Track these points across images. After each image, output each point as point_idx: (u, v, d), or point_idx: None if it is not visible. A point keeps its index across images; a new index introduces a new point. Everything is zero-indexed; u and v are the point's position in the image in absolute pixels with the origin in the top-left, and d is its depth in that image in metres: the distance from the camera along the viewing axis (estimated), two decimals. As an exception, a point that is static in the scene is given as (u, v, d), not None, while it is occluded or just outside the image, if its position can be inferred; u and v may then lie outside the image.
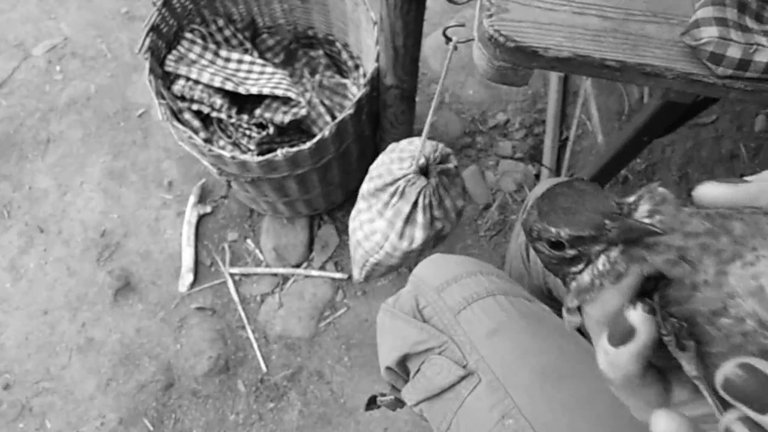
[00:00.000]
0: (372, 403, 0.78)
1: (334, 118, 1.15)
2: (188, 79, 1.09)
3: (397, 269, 0.92)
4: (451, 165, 0.83)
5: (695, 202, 0.26)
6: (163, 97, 1.01)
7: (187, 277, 1.34)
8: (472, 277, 0.70)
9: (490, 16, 0.47)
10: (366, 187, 0.80)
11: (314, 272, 1.37)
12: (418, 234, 0.75)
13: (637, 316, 0.24)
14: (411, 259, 0.84)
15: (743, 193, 0.25)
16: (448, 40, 0.53)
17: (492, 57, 0.49)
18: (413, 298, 0.72)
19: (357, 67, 1.24)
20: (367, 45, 1.10)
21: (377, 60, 0.97)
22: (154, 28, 1.06)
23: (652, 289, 0.25)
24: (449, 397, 0.67)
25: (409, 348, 0.69)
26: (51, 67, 1.52)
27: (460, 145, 1.45)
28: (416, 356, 0.70)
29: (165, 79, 1.10)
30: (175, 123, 0.97)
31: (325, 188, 1.16)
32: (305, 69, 1.27)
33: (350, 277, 1.38)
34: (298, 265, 1.38)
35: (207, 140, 1.09)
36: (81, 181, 1.41)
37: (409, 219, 0.76)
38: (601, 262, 0.25)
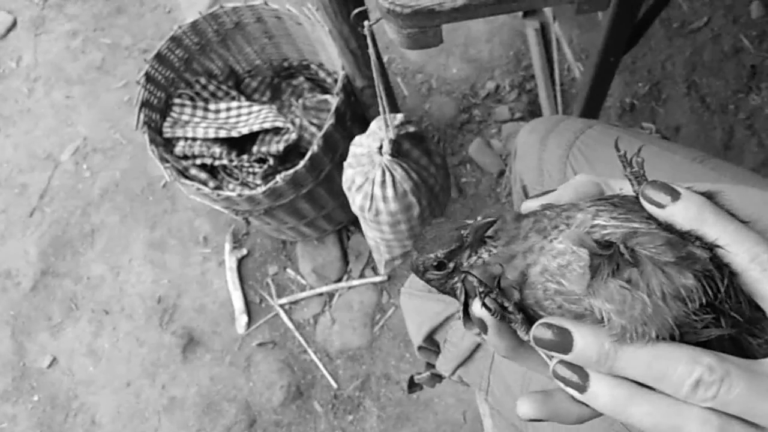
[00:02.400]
0: (413, 384, 0.81)
1: (326, 133, 1.20)
2: (186, 138, 1.18)
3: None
4: (404, 130, 0.87)
5: (524, 211, 0.33)
6: (167, 161, 1.10)
7: (242, 319, 1.42)
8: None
9: (383, -9, 0.51)
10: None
11: (355, 282, 1.42)
12: (382, 205, 0.79)
13: (476, 309, 0.31)
14: (416, 228, 0.88)
15: (550, 198, 0.33)
16: (360, 25, 0.57)
17: (399, 27, 0.52)
18: (424, 275, 0.75)
19: (336, 81, 1.29)
20: (337, 58, 1.15)
21: (342, 68, 1.02)
22: (145, 104, 1.15)
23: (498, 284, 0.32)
24: (479, 356, 0.69)
25: (431, 321, 0.72)
26: (79, 168, 1.66)
27: (459, 123, 1.47)
28: (440, 328, 0.73)
29: (167, 144, 1.19)
30: (183, 180, 1.05)
31: (337, 199, 1.21)
32: (292, 98, 1.34)
33: (390, 278, 1.42)
34: (339, 280, 1.43)
35: (217, 187, 1.17)
36: (129, 258, 1.53)
37: (373, 198, 0.81)
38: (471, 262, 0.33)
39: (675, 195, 0.28)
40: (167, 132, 1.18)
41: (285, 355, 1.40)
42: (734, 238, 0.27)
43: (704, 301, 0.26)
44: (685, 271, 0.26)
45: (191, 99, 1.25)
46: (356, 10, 0.58)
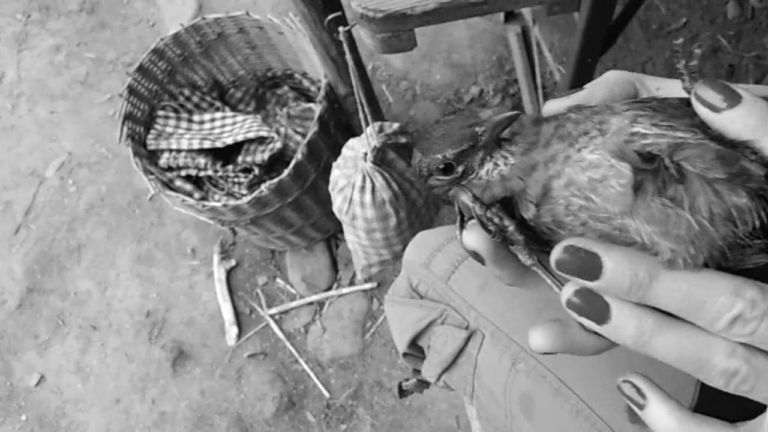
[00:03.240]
0: (402, 390, 0.80)
1: (311, 142, 1.20)
2: (171, 150, 1.17)
3: (392, 261, 0.96)
4: (394, 140, 0.87)
5: (546, 114, 0.29)
6: (152, 173, 1.10)
7: (232, 330, 1.41)
8: (452, 242, 0.73)
9: (356, -3, 0.51)
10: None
11: (345, 290, 1.42)
12: (359, 211, 0.79)
13: (467, 238, 0.28)
14: (393, 239, 0.88)
15: (577, 99, 0.29)
16: (336, 31, 0.57)
17: (372, 32, 0.53)
18: (406, 280, 0.75)
19: (320, 90, 1.29)
20: (320, 67, 1.15)
21: (325, 76, 1.02)
22: (128, 117, 1.15)
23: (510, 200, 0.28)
24: (462, 361, 0.69)
25: (414, 327, 0.72)
26: (64, 183, 1.65)
27: (444, 129, 1.48)
28: (423, 334, 0.72)
29: (151, 157, 1.18)
30: (168, 192, 1.05)
31: (323, 207, 1.20)
32: (277, 107, 1.34)
33: (380, 284, 1.42)
34: (329, 288, 1.43)
35: (203, 198, 1.16)
36: (116, 273, 1.52)
37: (351, 202, 0.81)
38: (485, 170, 0.28)
39: (735, 98, 0.24)
40: (151, 144, 1.18)
41: (276, 365, 1.39)
42: None
43: (757, 224, 0.23)
44: (738, 188, 0.23)
45: (175, 111, 1.24)
46: (330, 16, 0.59)
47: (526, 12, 1.41)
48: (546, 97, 1.36)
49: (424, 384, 0.78)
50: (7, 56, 1.85)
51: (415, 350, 0.73)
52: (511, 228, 0.27)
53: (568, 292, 0.26)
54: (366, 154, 0.85)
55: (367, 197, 0.83)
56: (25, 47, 1.85)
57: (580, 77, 0.91)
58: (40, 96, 1.77)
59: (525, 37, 1.46)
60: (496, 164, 0.28)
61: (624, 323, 0.25)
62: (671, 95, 0.27)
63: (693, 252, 0.23)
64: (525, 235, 0.27)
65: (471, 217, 0.28)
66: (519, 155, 0.27)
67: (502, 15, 1.49)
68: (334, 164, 0.89)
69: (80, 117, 1.72)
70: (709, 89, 0.25)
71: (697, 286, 0.23)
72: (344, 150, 0.89)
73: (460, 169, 0.28)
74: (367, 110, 0.71)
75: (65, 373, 1.45)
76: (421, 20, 0.51)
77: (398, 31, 0.52)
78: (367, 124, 0.77)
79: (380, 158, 0.86)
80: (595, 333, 0.26)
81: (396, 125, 0.87)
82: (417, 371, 0.76)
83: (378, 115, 1.15)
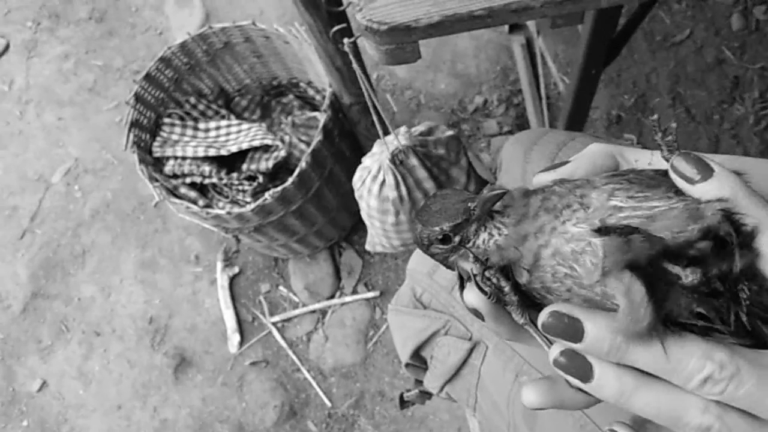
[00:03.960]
0: (404, 401, 0.80)
1: (315, 150, 1.21)
2: (176, 157, 1.18)
3: (390, 250, 0.96)
4: (432, 150, 0.88)
5: (534, 186, 0.32)
6: (157, 180, 1.10)
7: (235, 338, 1.41)
8: (456, 252, 0.73)
9: (360, 9, 0.52)
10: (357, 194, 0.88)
11: (348, 298, 1.42)
12: (365, 194, 0.81)
13: (468, 297, 0.30)
14: (390, 233, 0.88)
15: (563, 172, 0.31)
16: (341, 42, 0.57)
17: (377, 44, 0.53)
18: (410, 290, 0.74)
19: (325, 99, 1.30)
20: (325, 76, 1.16)
21: (330, 85, 1.02)
22: (135, 124, 1.16)
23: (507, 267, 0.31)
24: (466, 372, 0.68)
25: (417, 337, 0.72)
26: (70, 189, 1.66)
27: (448, 138, 1.48)
28: (426, 344, 0.72)
29: (156, 164, 1.19)
30: (172, 199, 1.05)
31: (326, 215, 1.21)
32: (282, 116, 1.34)
33: (383, 293, 1.42)
34: (331, 297, 1.43)
35: (207, 206, 1.17)
36: (120, 279, 1.53)
37: (363, 183, 0.83)
38: (481, 239, 0.31)
39: (708, 172, 0.27)
40: (157, 151, 1.18)
41: (278, 373, 1.39)
42: (765, 222, 0.26)
43: (720, 270, 0.25)
44: (702, 242, 0.25)
45: (181, 118, 1.25)
46: (336, 28, 0.59)
47: (531, 23, 1.42)
48: (550, 108, 1.37)
49: (426, 395, 0.78)
50: (17, 63, 1.86)
51: (418, 361, 0.73)
52: (507, 289, 0.29)
53: (555, 352, 0.28)
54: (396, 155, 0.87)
55: (375, 187, 0.85)
56: (35, 54, 1.87)
57: (585, 88, 0.91)
58: (48, 102, 1.79)
59: (529, 47, 1.46)
60: (491, 234, 0.30)
61: (605, 382, 0.27)
62: (647, 167, 0.30)
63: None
64: (518, 297, 0.30)
65: (469, 279, 0.31)
66: (512, 226, 0.30)
67: (506, 26, 1.50)
68: (376, 142, 0.91)
69: (87, 123, 1.74)
70: (684, 162, 0.27)
71: (670, 349, 0.25)
72: (389, 137, 0.89)
73: (456, 239, 0.31)
74: (381, 113, 0.71)
75: (67, 378, 1.45)
76: (425, 33, 0.51)
77: (403, 43, 0.52)
78: (384, 129, 0.78)
79: (400, 160, 0.86)
80: (580, 389, 0.28)
81: (423, 126, 0.88)
82: (419, 382, 0.76)
83: (382, 124, 1.15)
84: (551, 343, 0.29)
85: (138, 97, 1.17)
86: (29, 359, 1.48)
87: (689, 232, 0.25)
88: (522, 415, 0.57)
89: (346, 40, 0.58)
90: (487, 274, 0.29)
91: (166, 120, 1.23)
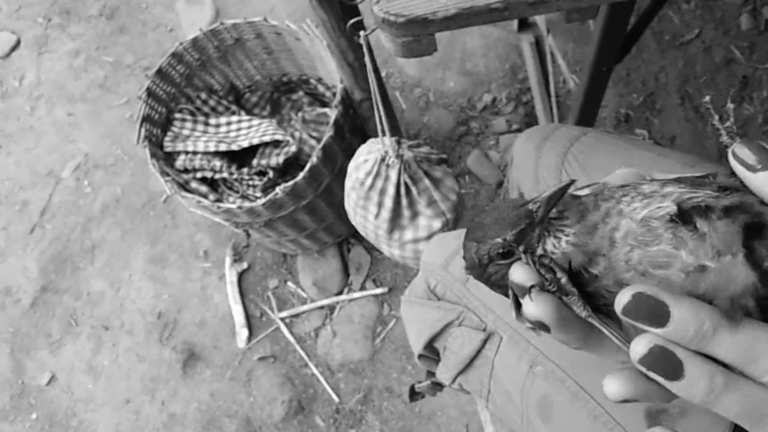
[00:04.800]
0: (414, 393, 0.80)
1: (325, 146, 1.21)
2: (187, 152, 1.19)
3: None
4: (434, 168, 0.87)
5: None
6: (168, 175, 1.11)
7: (243, 333, 1.42)
8: (471, 243, 0.73)
9: (377, 2, 0.52)
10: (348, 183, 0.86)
11: (356, 294, 1.42)
12: (386, 208, 0.79)
13: (529, 308, 0.28)
14: (382, 240, 0.88)
15: (594, 189, 0.29)
16: (356, 35, 0.58)
17: (394, 36, 0.54)
18: (424, 281, 0.75)
19: (335, 95, 1.31)
20: (336, 72, 1.17)
21: (341, 81, 1.03)
22: (146, 119, 1.17)
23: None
24: (479, 363, 0.69)
25: (431, 328, 0.72)
26: (80, 184, 1.68)
27: (457, 136, 1.49)
28: (440, 335, 0.73)
29: (167, 158, 1.20)
30: (183, 193, 1.06)
31: (336, 211, 1.21)
32: (291, 112, 1.35)
33: (391, 290, 1.42)
34: (339, 293, 1.44)
35: (218, 200, 1.18)
36: (129, 274, 1.54)
37: (383, 191, 0.81)
38: (549, 245, 0.28)
39: None
40: (168, 146, 1.19)
41: (286, 369, 1.39)
42: None
43: None
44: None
45: (192, 114, 1.26)
46: (352, 20, 0.60)
47: (541, 21, 1.42)
48: (559, 106, 1.37)
49: (437, 386, 0.78)
50: (28, 59, 1.88)
51: (430, 352, 0.73)
52: (564, 279, 0.27)
53: (640, 348, 0.25)
54: (390, 156, 0.85)
55: (361, 174, 0.82)
56: (46, 50, 1.89)
57: (596, 85, 0.91)
58: (58, 98, 1.80)
59: (539, 46, 1.47)
60: (556, 237, 0.27)
61: (697, 381, 0.25)
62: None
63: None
64: (578, 290, 0.27)
65: (524, 293, 0.28)
66: (576, 223, 0.27)
67: (515, 24, 1.51)
68: (371, 140, 0.88)
69: (98, 119, 1.75)
70: (746, 149, 0.26)
71: (756, 337, 0.24)
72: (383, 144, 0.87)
73: (521, 249, 0.28)
74: (383, 114, 0.71)
75: (76, 372, 1.46)
76: (442, 25, 0.52)
77: (419, 35, 0.53)
78: (382, 128, 0.78)
79: (409, 173, 0.84)
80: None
81: (414, 142, 0.87)
82: (431, 374, 0.77)
83: (393, 121, 1.16)
84: (621, 339, 0.27)
85: (150, 92, 1.18)
86: (38, 353, 1.49)
87: None
88: (537, 406, 0.58)
89: (362, 33, 0.58)
90: (543, 260, 0.27)
91: (177, 115, 1.24)
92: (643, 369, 0.25)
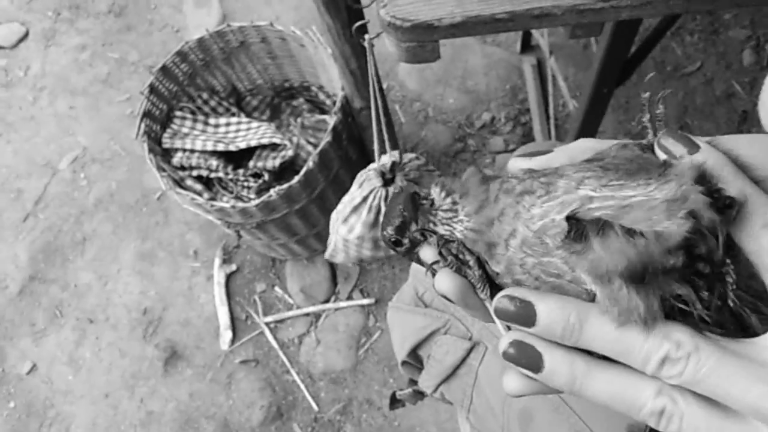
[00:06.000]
0: (395, 400, 0.80)
1: (323, 152, 1.22)
2: (184, 150, 1.19)
3: (352, 259, 0.96)
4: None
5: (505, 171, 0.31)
6: (164, 171, 1.11)
7: (227, 335, 1.41)
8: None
9: (385, 6, 0.53)
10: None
11: (343, 304, 1.42)
12: (358, 227, 0.79)
13: (438, 283, 0.29)
14: (352, 249, 0.88)
15: (538, 162, 0.30)
16: (362, 38, 0.59)
17: (399, 41, 0.54)
18: (413, 288, 0.75)
19: (335, 103, 1.32)
20: (337, 80, 1.18)
21: (342, 88, 1.04)
22: (147, 114, 1.17)
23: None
24: (463, 372, 0.68)
25: (416, 335, 0.72)
26: (76, 176, 1.67)
27: (453, 152, 1.49)
28: (425, 343, 0.72)
29: (165, 155, 1.20)
30: (178, 190, 1.06)
31: (328, 218, 1.21)
32: (291, 118, 1.36)
33: (377, 301, 1.42)
34: (326, 301, 1.43)
35: (211, 199, 1.18)
36: (118, 268, 1.53)
37: (357, 208, 0.81)
38: (442, 232, 0.30)
39: (693, 148, 0.26)
40: (166, 143, 1.20)
41: (267, 374, 1.38)
42: (751, 201, 0.24)
43: (706, 249, 0.23)
44: (681, 226, 0.23)
45: (192, 113, 1.27)
46: (357, 23, 0.60)
47: (543, 44, 1.44)
48: (557, 129, 1.38)
49: (419, 395, 0.77)
50: (35, 50, 1.89)
51: (414, 359, 0.73)
52: (471, 261, 0.28)
53: (502, 345, 0.27)
54: (384, 176, 0.86)
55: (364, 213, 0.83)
56: (53, 43, 1.90)
57: (595, 106, 0.92)
58: (61, 91, 1.80)
59: (540, 68, 1.49)
60: (451, 225, 0.30)
61: (556, 369, 0.26)
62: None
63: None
64: (482, 272, 0.29)
65: (433, 267, 0.30)
66: (474, 214, 0.29)
67: (518, 45, 1.53)
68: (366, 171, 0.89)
69: (98, 114, 1.75)
70: (671, 139, 0.27)
71: (626, 330, 0.24)
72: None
73: (406, 240, 0.31)
74: (383, 122, 0.72)
75: (58, 363, 1.44)
76: (447, 32, 0.52)
77: (424, 41, 0.54)
78: (380, 134, 0.78)
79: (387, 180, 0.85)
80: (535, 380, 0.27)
81: (411, 155, 0.88)
82: (413, 382, 0.76)
83: (391, 132, 1.16)
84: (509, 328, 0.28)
85: (152, 89, 1.19)
86: (21, 341, 1.48)
87: (675, 224, 0.23)
88: (517, 418, 0.58)
89: (367, 37, 0.59)
90: (448, 247, 0.29)
91: (178, 113, 1.25)
92: (510, 364, 0.26)
